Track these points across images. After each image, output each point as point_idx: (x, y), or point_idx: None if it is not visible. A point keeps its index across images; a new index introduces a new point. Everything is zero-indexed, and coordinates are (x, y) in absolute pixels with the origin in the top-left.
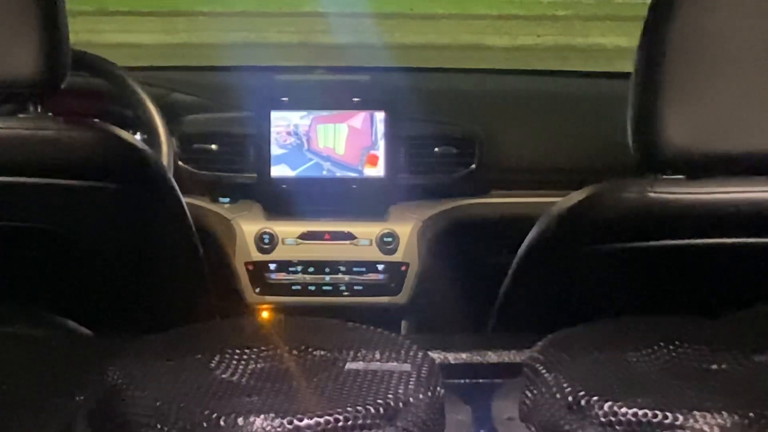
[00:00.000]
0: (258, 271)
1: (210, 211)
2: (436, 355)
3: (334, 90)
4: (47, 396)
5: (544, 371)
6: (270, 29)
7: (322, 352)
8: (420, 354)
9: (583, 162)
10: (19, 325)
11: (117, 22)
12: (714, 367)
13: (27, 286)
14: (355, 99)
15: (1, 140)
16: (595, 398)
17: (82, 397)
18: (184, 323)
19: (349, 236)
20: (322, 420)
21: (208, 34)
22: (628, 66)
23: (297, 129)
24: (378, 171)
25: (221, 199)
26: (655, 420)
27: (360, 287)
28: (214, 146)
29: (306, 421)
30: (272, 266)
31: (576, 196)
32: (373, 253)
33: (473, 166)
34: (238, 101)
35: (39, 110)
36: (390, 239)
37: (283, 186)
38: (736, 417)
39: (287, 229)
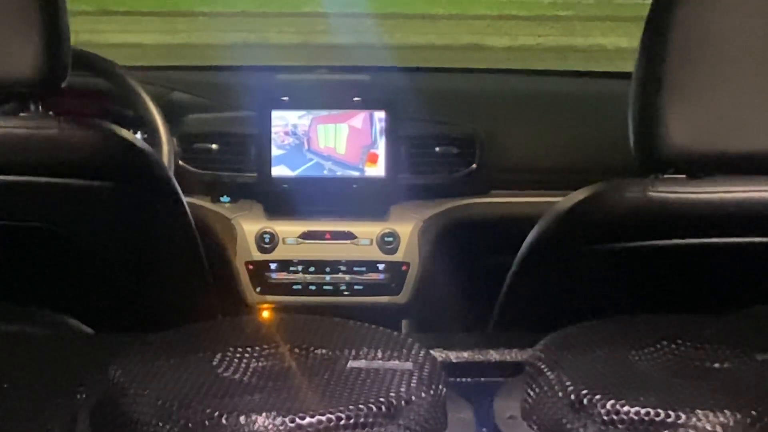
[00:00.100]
0: (258, 270)
1: (210, 210)
2: (438, 354)
3: (334, 90)
4: (49, 394)
5: (546, 370)
6: (270, 29)
7: (324, 351)
8: (422, 352)
9: (584, 162)
10: (21, 324)
11: (117, 22)
12: (716, 365)
13: (28, 285)
14: (356, 99)
15: (2, 139)
16: (598, 396)
17: (83, 396)
18: (185, 322)
19: (350, 236)
20: (324, 418)
21: (208, 35)
22: (628, 66)
23: (297, 129)
24: (378, 170)
25: (222, 199)
26: (657, 418)
27: (360, 287)
28: (214, 146)
29: (308, 420)
30: (273, 266)
31: (576, 196)
32: (374, 253)
33: (474, 165)
34: (238, 101)
35: (40, 109)
36: (390, 239)
37: (284, 185)
38: (739, 415)
39: (288, 229)
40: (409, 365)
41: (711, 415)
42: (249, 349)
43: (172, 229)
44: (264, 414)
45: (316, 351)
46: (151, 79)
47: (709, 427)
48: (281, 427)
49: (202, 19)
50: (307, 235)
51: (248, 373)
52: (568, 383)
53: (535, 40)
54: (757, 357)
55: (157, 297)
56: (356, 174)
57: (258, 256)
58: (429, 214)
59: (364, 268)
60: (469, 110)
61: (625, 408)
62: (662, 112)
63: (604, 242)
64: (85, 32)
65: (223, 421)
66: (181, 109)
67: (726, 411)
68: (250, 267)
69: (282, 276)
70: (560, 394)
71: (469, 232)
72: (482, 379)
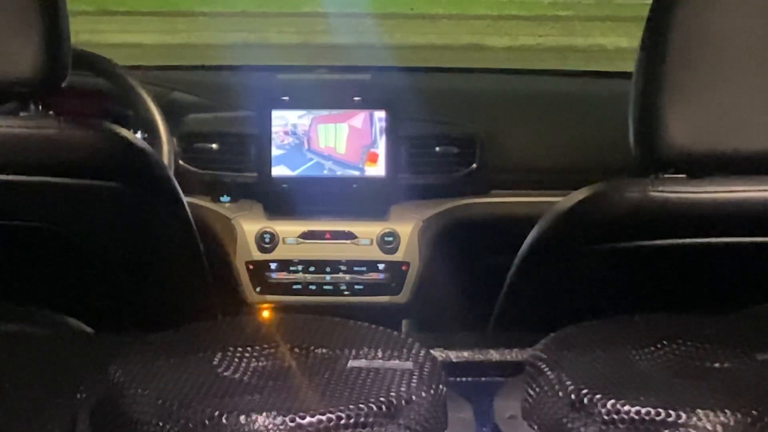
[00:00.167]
0: (259, 270)
1: (211, 210)
2: (439, 354)
3: (334, 89)
4: (49, 394)
5: (546, 369)
6: (270, 29)
7: (324, 350)
8: (422, 352)
9: (584, 162)
10: (21, 323)
11: (117, 22)
12: (717, 365)
13: (28, 285)
14: (356, 98)
15: (2, 139)
16: (598, 396)
17: (84, 396)
18: (185, 322)
19: (350, 236)
20: (324, 418)
21: (208, 35)
22: (628, 66)
23: (297, 129)
24: (378, 170)
25: (222, 199)
26: (658, 418)
27: (361, 287)
28: (214, 146)
29: (308, 419)
30: (273, 265)
31: (577, 196)
32: (374, 253)
33: (474, 165)
34: (239, 101)
35: (40, 109)
36: (391, 239)
37: (284, 185)
38: (739, 415)
39: (288, 229)
40: (409, 365)
41: (711, 415)
42: (249, 349)
43: (172, 229)
44: (264, 414)
45: (316, 351)
46: (151, 79)
47: (709, 427)
48: (281, 427)
49: (202, 19)
50: (307, 235)
51: (248, 373)
52: (568, 383)
53: (535, 40)
54: (758, 357)
55: (157, 297)
56: (356, 174)
57: (258, 255)
58: (429, 214)
59: (364, 268)
60: (469, 110)
61: (626, 408)
62: (662, 111)
63: (604, 242)
64: (85, 32)
65: (223, 421)
66: (181, 109)
67: (726, 411)
68: (250, 267)
69: (282, 276)
70: (560, 393)
71: (469, 232)
72: (482, 378)
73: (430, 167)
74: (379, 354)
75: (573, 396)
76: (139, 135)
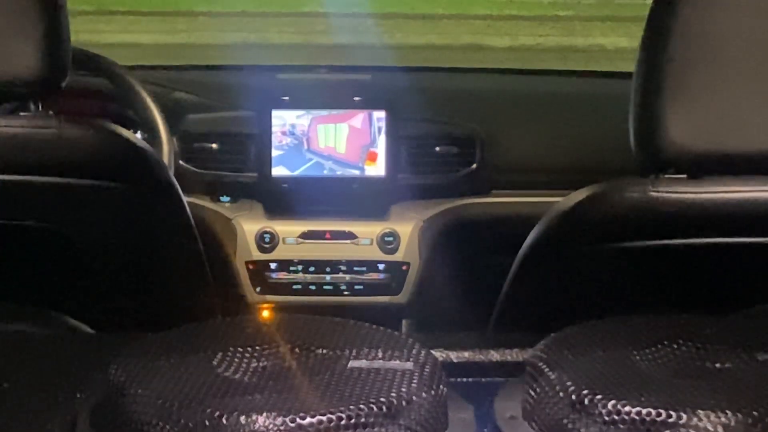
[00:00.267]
0: (259, 270)
1: (211, 210)
2: (439, 354)
3: (335, 89)
4: (50, 394)
5: (547, 370)
6: (270, 29)
7: (325, 351)
8: (423, 352)
9: (584, 162)
10: (22, 323)
11: (117, 21)
12: (717, 365)
13: (28, 285)
14: (356, 98)
15: (2, 139)
16: (599, 396)
17: (84, 395)
18: (185, 322)
19: (350, 236)
20: (324, 418)
21: (208, 35)
22: (629, 66)
23: (297, 128)
24: (378, 170)
25: (222, 199)
26: (658, 418)
27: (361, 287)
28: (214, 145)
29: (308, 420)
30: (273, 265)
31: (577, 196)
32: (374, 253)
33: (474, 165)
34: (239, 100)
35: (40, 109)
36: (391, 239)
37: (284, 185)
38: (740, 415)
39: (288, 229)
40: (409, 365)
41: (712, 415)
42: (249, 349)
43: (172, 229)
44: (264, 414)
45: (316, 351)
46: (151, 79)
47: (710, 427)
48: (282, 427)
49: (202, 19)
50: (307, 235)
51: (248, 373)
52: (569, 383)
53: (535, 40)
54: (758, 357)
55: (157, 297)
56: (356, 174)
57: (258, 255)
58: (429, 214)
59: (364, 268)
60: (469, 110)
61: (626, 408)
62: (663, 112)
63: (604, 242)
64: (85, 32)
65: (224, 420)
66: (181, 109)
67: (727, 411)
68: (250, 267)
69: (282, 276)
70: (561, 394)
71: (469, 232)
72: (483, 379)
73: (430, 167)
74: (380, 354)
75: (573, 396)
76: (139, 135)
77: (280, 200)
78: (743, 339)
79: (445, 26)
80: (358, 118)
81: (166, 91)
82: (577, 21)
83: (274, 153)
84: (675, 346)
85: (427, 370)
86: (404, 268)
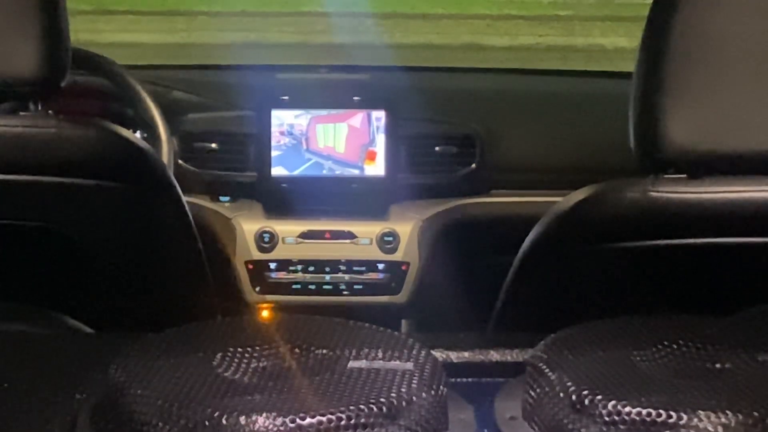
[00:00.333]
0: (258, 270)
1: (210, 210)
2: (439, 354)
3: (334, 89)
4: (49, 394)
5: (547, 370)
6: (270, 29)
7: (325, 351)
8: (423, 353)
9: (584, 162)
10: (21, 323)
11: (116, 21)
12: (718, 366)
13: (28, 285)
14: (356, 98)
15: (2, 139)
16: (599, 397)
17: (84, 395)
18: (185, 322)
19: (350, 235)
20: (324, 419)
21: (208, 34)
22: (628, 66)
23: (297, 128)
24: (378, 170)
25: (221, 198)
26: (659, 419)
27: (360, 286)
28: (214, 145)
29: (308, 420)
30: (272, 265)
31: (577, 196)
32: (374, 253)
33: (474, 165)
34: (238, 100)
35: (40, 108)
36: (390, 238)
37: (284, 185)
38: (740, 416)
39: (287, 228)
40: (409, 365)
41: (713, 416)
42: (249, 349)
43: (172, 229)
44: (264, 414)
45: (316, 351)
46: (151, 79)
47: (710, 428)
48: (281, 428)
49: (201, 19)
50: (306, 235)
51: (248, 373)
52: (569, 384)
53: (535, 40)
54: (759, 358)
55: (157, 297)
56: (356, 173)
57: (257, 255)
58: (429, 213)
59: (363, 268)
60: (469, 110)
61: (627, 409)
62: (663, 111)
63: (604, 242)
64: (85, 32)
65: (224, 421)
66: (181, 108)
67: (728, 412)
68: (250, 266)
69: (281, 275)
70: (561, 394)
71: (469, 232)
72: (483, 379)
73: (430, 167)
74: (380, 354)
75: (574, 397)
76: (139, 135)
77: (279, 200)
78: (744, 339)
79: (444, 26)
80: (358, 117)
81: (166, 90)
82: (577, 21)
83: (274, 153)
84: (675, 347)
85: (427, 370)
86: (404, 267)
